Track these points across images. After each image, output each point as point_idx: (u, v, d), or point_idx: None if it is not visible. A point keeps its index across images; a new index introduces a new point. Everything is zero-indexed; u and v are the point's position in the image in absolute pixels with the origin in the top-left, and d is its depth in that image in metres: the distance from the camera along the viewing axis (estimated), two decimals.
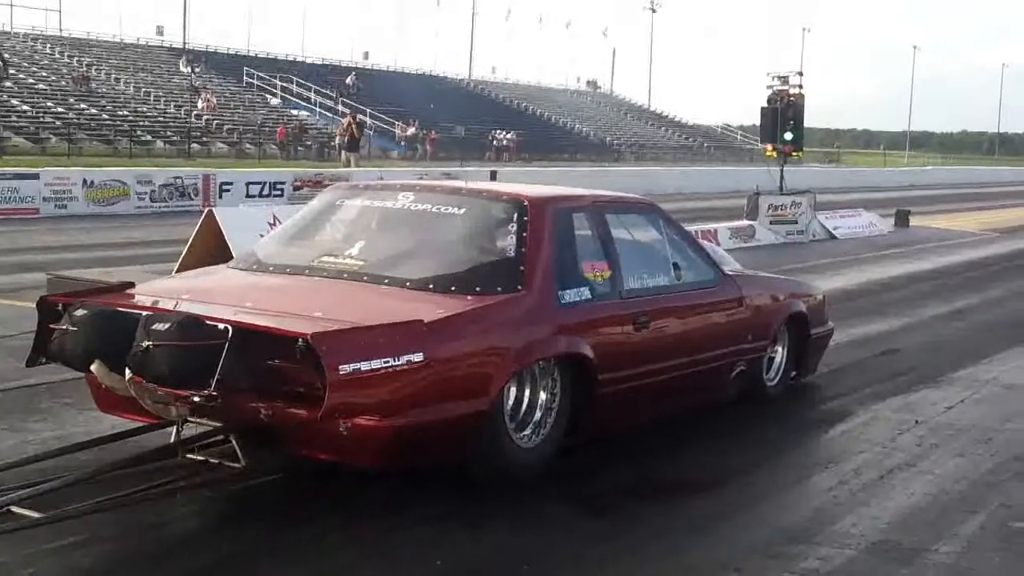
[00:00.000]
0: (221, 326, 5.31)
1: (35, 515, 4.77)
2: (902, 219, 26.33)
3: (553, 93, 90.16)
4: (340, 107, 59.22)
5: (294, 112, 61.38)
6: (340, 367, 5.00)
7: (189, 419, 5.62)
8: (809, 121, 25.44)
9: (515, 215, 6.51)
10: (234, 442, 5.60)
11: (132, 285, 6.40)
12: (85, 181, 24.46)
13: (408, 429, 5.39)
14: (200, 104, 55.68)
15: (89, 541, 5.01)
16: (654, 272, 7.27)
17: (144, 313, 5.48)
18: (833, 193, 36.25)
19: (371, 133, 53.97)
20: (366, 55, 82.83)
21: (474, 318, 5.88)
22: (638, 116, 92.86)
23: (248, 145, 52.34)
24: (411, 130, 61.44)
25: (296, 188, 27.06)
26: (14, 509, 4.84)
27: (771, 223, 21.63)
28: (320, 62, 74.78)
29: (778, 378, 8.71)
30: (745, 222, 21.10)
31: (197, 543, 5.31)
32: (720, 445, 7.43)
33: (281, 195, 26.47)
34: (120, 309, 5.73)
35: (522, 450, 6.09)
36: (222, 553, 5.10)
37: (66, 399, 7.60)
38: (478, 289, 6.07)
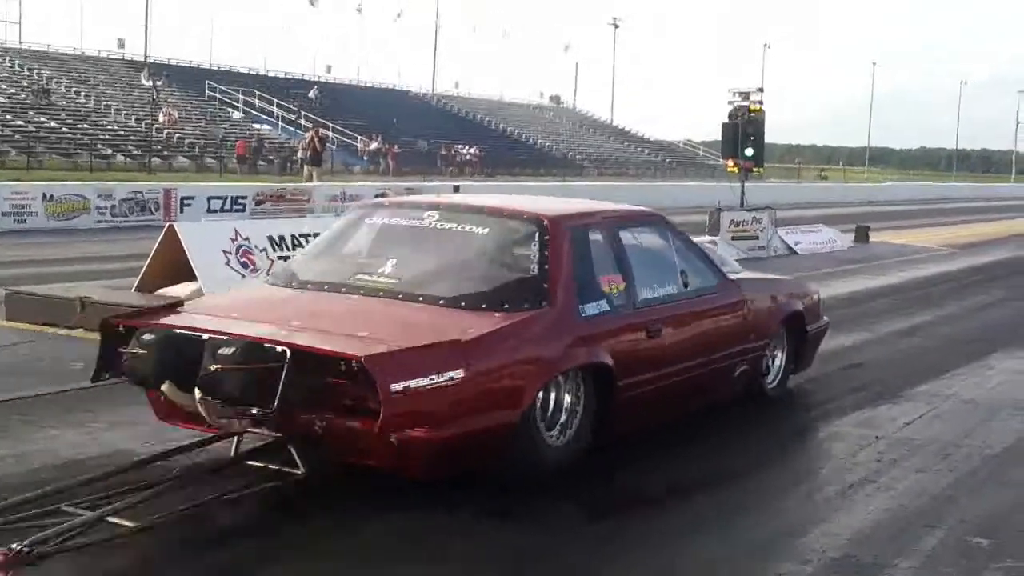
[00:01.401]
0: (280, 348, 5.77)
1: (130, 524, 5.15)
2: (862, 235, 26.52)
3: (516, 108, 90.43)
4: (303, 121, 59.11)
5: (256, 126, 61.26)
6: (392, 386, 5.57)
7: (249, 431, 6.14)
8: (770, 137, 25.64)
9: (536, 234, 6.98)
10: (293, 451, 6.02)
11: (181, 304, 6.97)
12: (45, 195, 24.26)
13: (453, 439, 5.89)
14: (161, 118, 55.41)
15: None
16: (664, 281, 7.81)
17: (206, 336, 5.98)
18: (794, 209, 36.49)
19: (333, 147, 53.90)
20: (329, 69, 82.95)
21: (506, 335, 6.37)
22: (600, 131, 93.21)
23: (210, 159, 52.12)
24: (374, 144, 61.38)
25: (258, 203, 26.95)
26: (110, 519, 5.16)
27: (732, 239, 21.73)
28: (283, 76, 74.63)
29: (778, 378, 9.28)
30: (707, 238, 21.15)
31: (256, 529, 5.84)
32: (682, 461, 7.45)
33: (243, 210, 26.35)
34: (184, 332, 6.15)
35: (552, 448, 6.61)
36: (283, 539, 5.67)
37: (28, 416, 7.57)
38: (506, 306, 6.56)
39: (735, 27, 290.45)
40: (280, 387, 5.67)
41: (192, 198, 26.25)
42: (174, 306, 6.84)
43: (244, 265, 12.14)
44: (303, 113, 61.81)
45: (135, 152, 50.58)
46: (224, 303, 7.15)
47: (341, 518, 5.91)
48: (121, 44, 71.92)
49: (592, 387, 6.82)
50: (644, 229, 8.14)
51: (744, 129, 22.99)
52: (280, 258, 12.45)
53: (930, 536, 6.08)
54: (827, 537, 5.99)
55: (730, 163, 23.51)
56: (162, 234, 12.26)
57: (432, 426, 5.79)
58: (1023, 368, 11.39)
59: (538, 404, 6.45)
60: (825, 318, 10.18)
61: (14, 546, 4.58)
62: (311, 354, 5.79)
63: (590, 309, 6.91)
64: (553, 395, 6.68)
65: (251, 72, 72.60)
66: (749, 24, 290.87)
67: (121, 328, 6.38)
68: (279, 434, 6.09)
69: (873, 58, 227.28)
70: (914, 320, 14.54)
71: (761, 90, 23.90)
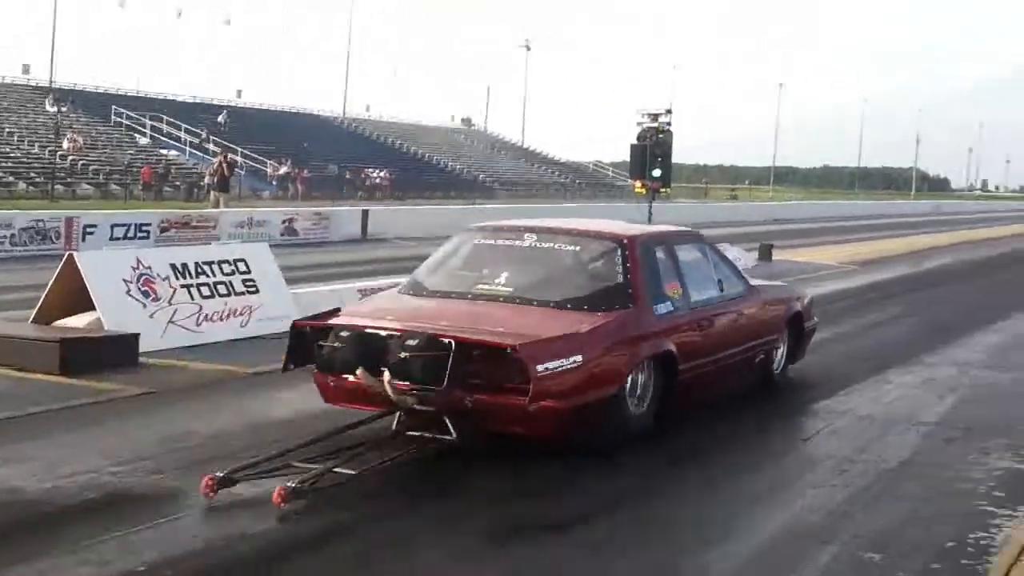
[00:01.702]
0: (447, 340, 7.44)
1: (351, 472, 6.87)
2: (765, 253, 26.89)
3: (427, 131, 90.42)
4: (211, 146, 58.50)
5: (163, 152, 60.47)
6: (538, 368, 7.33)
7: (416, 407, 7.57)
8: (678, 157, 25.93)
9: (618, 251, 8.83)
10: (448, 422, 7.54)
11: (338, 311, 8.65)
12: None
13: (573, 408, 7.60)
14: (65, 144, 54.41)
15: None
16: (707, 287, 9.72)
17: (383, 333, 7.76)
18: (702, 228, 36.85)
19: (242, 172, 53.43)
20: (239, 93, 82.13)
21: (609, 329, 8.16)
22: (512, 153, 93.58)
23: (115, 186, 51.34)
24: (283, 169, 60.92)
25: (163, 230, 26.56)
26: (337, 469, 6.86)
27: None
28: (192, 100, 73.81)
29: (780, 366, 11.08)
30: None
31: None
32: (578, 484, 7.50)
33: (147, 237, 25.91)
34: (369, 331, 7.86)
35: (633, 417, 8.32)
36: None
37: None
38: (603, 308, 8.34)
39: (645, 49, 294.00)
40: (448, 371, 7.33)
41: (95, 226, 25.72)
42: (334, 312, 8.59)
43: (145, 294, 11.96)
44: (211, 138, 61.13)
45: (38, 180, 49.62)
46: (380, 308, 8.87)
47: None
48: (26, 70, 70.59)
49: (660, 370, 8.59)
50: (690, 245, 10.08)
51: (652, 150, 23.27)
52: (183, 287, 12.37)
53: (824, 552, 6.20)
54: (724, 560, 6.08)
55: (638, 184, 23.74)
56: (61, 264, 12.05)
57: (560, 399, 7.49)
58: (918, 383, 11.66)
59: (628, 382, 8.18)
60: (815, 318, 12.11)
61: (289, 484, 6.46)
62: (472, 344, 7.51)
63: (661, 309, 8.77)
64: (635, 375, 8.34)
65: (159, 97, 71.60)
66: (659, 46, 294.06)
67: (307, 329, 8.28)
68: (436, 408, 7.55)
69: (778, 79, 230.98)
70: (814, 336, 14.77)
71: (669, 112, 24.19)
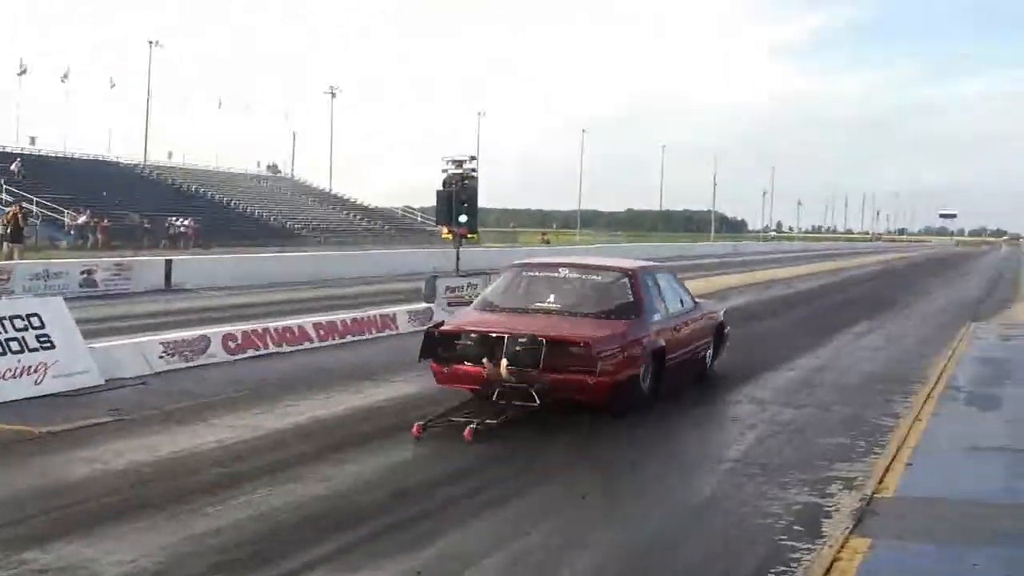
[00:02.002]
0: (540, 337, 11.06)
1: (493, 422, 10.58)
2: None
3: (233, 177, 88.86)
4: (4, 196, 56.24)
5: None
6: (600, 354, 11.10)
7: (517, 384, 11.11)
8: (487, 202, 26.12)
9: (628, 279, 12.88)
10: (534, 393, 11.06)
11: (443, 323, 12.45)
12: None
13: (616, 383, 11.36)
14: None
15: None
16: (676, 303, 13.89)
17: (494, 335, 11.35)
18: None
19: (37, 222, 51.52)
20: (33, 140, 79.06)
21: (630, 332, 12.02)
22: (320, 200, 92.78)
23: None
24: (82, 218, 58.91)
25: None
26: (488, 421, 10.61)
27: (448, 304, 21.93)
28: None
29: (709, 363, 15.15)
30: (423, 305, 21.34)
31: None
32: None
33: None
34: (489, 334, 11.42)
35: (643, 391, 12.05)
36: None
37: None
38: (623, 317, 12.33)
39: (453, 95, 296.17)
40: (542, 357, 10.97)
41: None
42: (439, 324, 12.34)
43: None
44: (5, 187, 58.76)
45: None
46: (478, 320, 12.24)
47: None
48: None
49: (654, 359, 12.33)
50: (665, 274, 14.45)
51: (458, 196, 23.33)
52: None
53: None
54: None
55: (444, 230, 23.82)
56: None
57: (609, 376, 11.25)
58: (720, 422, 11.98)
59: (643, 366, 12.00)
60: (729, 327, 16.21)
61: (472, 425, 10.33)
62: (557, 340, 11.18)
63: (655, 318, 12.81)
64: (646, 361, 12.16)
65: None
66: (466, 92, 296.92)
67: (436, 333, 11.85)
68: (531, 383, 11.07)
69: (583, 124, 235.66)
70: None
71: (474, 158, 24.29)
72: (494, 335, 11.35)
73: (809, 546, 7.32)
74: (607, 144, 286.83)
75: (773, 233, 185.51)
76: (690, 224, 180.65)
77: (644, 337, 12.20)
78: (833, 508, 8.33)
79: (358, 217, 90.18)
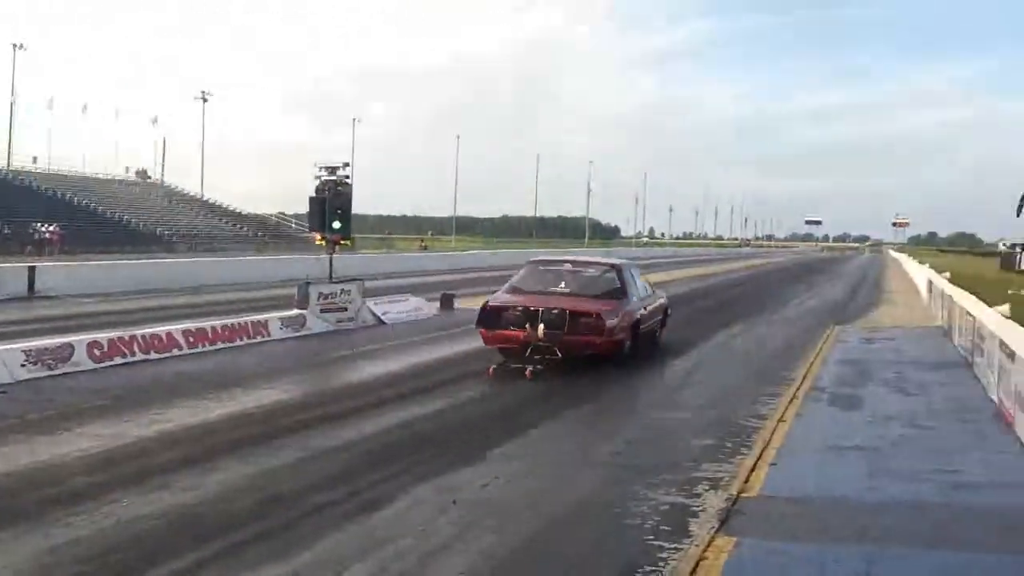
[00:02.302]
0: (563, 309, 15.98)
1: (540, 367, 15.65)
2: (447, 302, 27.35)
3: (101, 183, 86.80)
4: None
5: None
6: (608, 323, 16.04)
7: (545, 343, 15.71)
8: (362, 208, 25.95)
9: (616, 271, 17.99)
10: (557, 350, 15.73)
11: (486, 304, 16.80)
12: None
13: (615, 342, 16.31)
14: None
15: None
16: (642, 290, 18.81)
17: (532, 308, 16.05)
18: (386, 279, 37.15)
19: None
20: None
21: (623, 308, 16.87)
22: (191, 206, 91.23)
23: None
24: None
25: None
26: (537, 367, 15.61)
27: (322, 311, 21.77)
28: None
29: (660, 333, 20.17)
30: (296, 311, 21.13)
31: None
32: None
33: None
34: (528, 308, 16.09)
35: (626, 350, 16.85)
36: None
37: None
38: (615, 298, 17.07)
39: (326, 101, 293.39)
40: (565, 323, 15.70)
41: None
42: (488, 302, 16.82)
43: None
44: None
45: None
46: (518, 299, 16.68)
47: None
48: None
49: (632, 328, 17.07)
50: (634, 267, 19.80)
51: (332, 203, 23.13)
52: None
53: None
54: None
55: (318, 236, 23.58)
56: None
57: (612, 337, 16.08)
58: (589, 424, 12.12)
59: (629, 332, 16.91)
60: (671, 309, 21.59)
61: (531, 368, 15.55)
62: (577, 312, 15.94)
63: (633, 299, 17.56)
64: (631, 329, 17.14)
65: None
66: (345, 97, 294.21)
67: (487, 308, 16.49)
68: (557, 343, 15.73)
69: (457, 131, 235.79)
70: (494, 384, 15.13)
71: (347, 164, 24.11)
72: (532, 309, 16.17)
73: (676, 545, 7.45)
74: (483, 150, 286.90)
75: (646, 239, 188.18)
76: (564, 230, 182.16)
77: (629, 312, 17.25)
78: (700, 508, 8.48)
79: (231, 223, 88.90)
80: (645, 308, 18.30)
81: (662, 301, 20.67)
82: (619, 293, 17.32)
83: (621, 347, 16.61)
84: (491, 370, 15.50)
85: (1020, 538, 7.91)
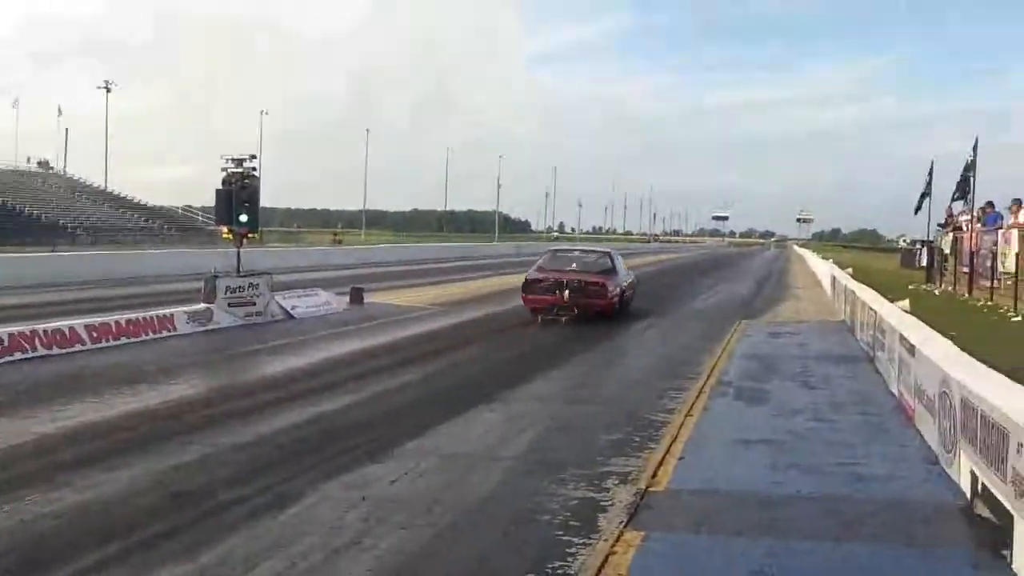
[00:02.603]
0: (582, 281, 24.00)
1: (565, 317, 23.57)
2: (356, 296, 27.19)
3: (1, 174, 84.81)
4: None
5: None
6: (611, 290, 24.35)
7: (565, 303, 23.74)
8: (272, 201, 25.64)
9: (609, 255, 26.94)
10: (576, 308, 23.51)
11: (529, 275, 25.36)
12: None
13: (613, 303, 24.47)
14: None
15: None
16: (623, 269, 27.05)
17: (563, 280, 23.90)
18: (296, 272, 36.87)
19: None
20: None
21: (615, 279, 25.10)
22: (95, 198, 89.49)
23: None
24: None
25: None
26: (563, 318, 23.78)
27: (229, 305, 21.51)
28: None
29: (629, 303, 26.66)
30: (203, 305, 20.85)
31: None
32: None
33: None
34: (557, 280, 23.91)
35: (618, 310, 24.98)
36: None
37: None
38: (609, 274, 25.09)
39: (233, 93, 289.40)
40: (583, 289, 23.67)
41: None
42: (526, 277, 24.98)
43: None
44: None
45: None
46: (550, 273, 24.38)
47: None
48: None
49: (620, 295, 25.03)
50: (618, 255, 27.83)
51: (238, 195, 22.85)
52: None
53: None
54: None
55: (224, 229, 23.29)
56: None
57: (611, 300, 24.25)
58: (501, 420, 12.15)
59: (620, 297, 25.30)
60: (637, 287, 28.76)
61: (562, 318, 23.68)
62: (589, 282, 23.99)
63: (620, 275, 26.00)
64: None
65: None
66: (247, 89, 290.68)
67: (529, 280, 24.30)
68: (574, 303, 23.47)
69: (365, 124, 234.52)
70: (405, 378, 15.11)
71: (254, 156, 23.84)
72: (560, 280, 23.69)
73: (585, 541, 7.49)
74: (394, 144, 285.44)
75: (556, 234, 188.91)
76: (475, 223, 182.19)
77: (618, 283, 24.88)
78: (609, 503, 8.54)
79: (136, 216, 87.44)
80: (626, 283, 26.09)
81: (632, 279, 27.90)
82: (612, 271, 25.14)
83: (614, 307, 24.16)
84: (538, 318, 23.50)
85: (920, 530, 8.09)
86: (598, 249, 29.91)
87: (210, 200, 24.41)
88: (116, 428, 11.04)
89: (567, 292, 23.30)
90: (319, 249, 65.68)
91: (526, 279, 24.33)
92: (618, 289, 24.68)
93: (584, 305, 23.38)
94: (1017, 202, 25.90)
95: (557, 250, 28.88)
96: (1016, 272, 21.55)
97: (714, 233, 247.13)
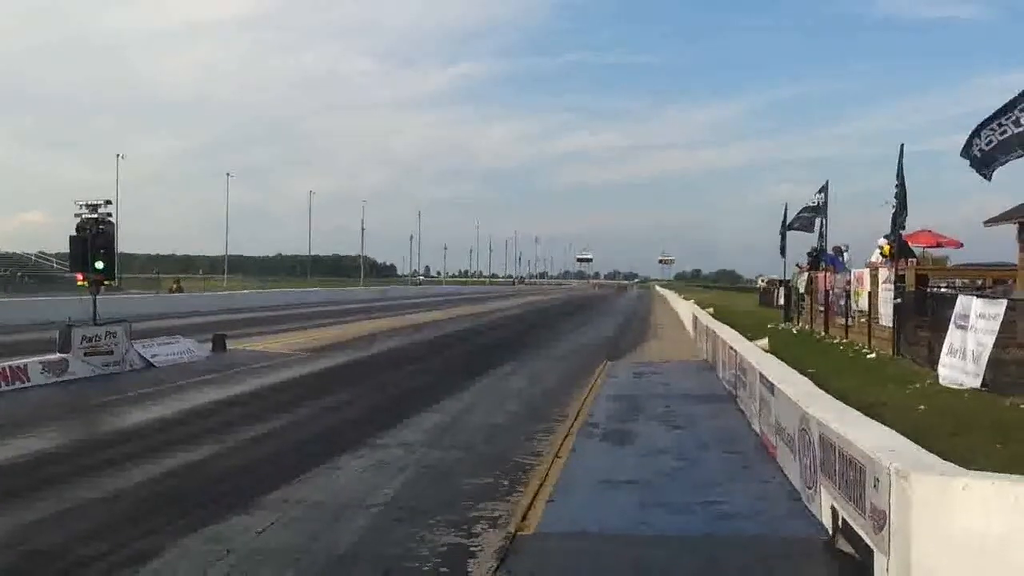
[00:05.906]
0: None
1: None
2: (219, 343, 26.74)
3: None
4: None
5: None
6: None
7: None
8: (131, 247, 25.11)
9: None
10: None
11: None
12: None
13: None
14: None
15: None
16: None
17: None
18: (156, 320, 36.07)
19: None
20: None
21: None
22: None
23: None
24: None
25: None
26: None
27: (86, 355, 20.96)
28: None
29: None
30: (58, 355, 20.26)
31: None
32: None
33: None
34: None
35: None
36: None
37: None
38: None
39: (89, 134, 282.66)
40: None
41: None
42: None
43: None
44: None
45: None
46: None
47: None
48: None
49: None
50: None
51: (94, 242, 22.32)
52: None
53: None
54: None
55: (80, 277, 22.69)
56: None
57: None
58: (368, 466, 12.01)
59: None
60: None
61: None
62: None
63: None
64: None
65: None
66: (103, 132, 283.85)
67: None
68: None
69: (228, 168, 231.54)
70: (268, 426, 14.87)
71: (110, 202, 23.32)
72: None
73: None
74: (257, 190, 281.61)
75: (422, 278, 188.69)
76: (339, 269, 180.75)
77: None
78: (478, 548, 8.49)
79: None
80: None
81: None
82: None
83: None
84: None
85: (783, 566, 8.22)
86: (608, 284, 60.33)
87: (65, 247, 23.69)
88: None
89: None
90: (180, 296, 64.39)
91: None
92: None
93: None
94: (837, 249, 29.33)
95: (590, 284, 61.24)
96: (869, 311, 22.23)
97: (579, 275, 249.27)
